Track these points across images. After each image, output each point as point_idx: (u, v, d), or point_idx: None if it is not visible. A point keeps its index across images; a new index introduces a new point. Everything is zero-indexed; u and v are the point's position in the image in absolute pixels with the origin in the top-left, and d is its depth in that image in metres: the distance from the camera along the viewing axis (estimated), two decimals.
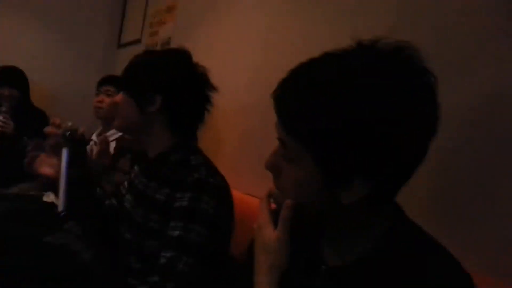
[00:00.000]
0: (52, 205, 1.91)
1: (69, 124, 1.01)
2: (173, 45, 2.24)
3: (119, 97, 1.06)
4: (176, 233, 0.92)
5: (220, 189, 1.00)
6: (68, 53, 3.24)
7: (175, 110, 1.06)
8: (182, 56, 1.08)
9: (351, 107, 0.50)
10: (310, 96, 0.53)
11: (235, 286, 0.81)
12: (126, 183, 1.25)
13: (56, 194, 0.95)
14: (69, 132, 0.98)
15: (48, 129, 0.96)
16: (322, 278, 0.62)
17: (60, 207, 0.93)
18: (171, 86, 1.04)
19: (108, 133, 2.04)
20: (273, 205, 0.66)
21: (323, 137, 0.52)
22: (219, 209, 0.96)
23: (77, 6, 3.22)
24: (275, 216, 0.64)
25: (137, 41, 2.82)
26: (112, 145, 1.97)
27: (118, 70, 2.94)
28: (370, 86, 0.50)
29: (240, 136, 1.63)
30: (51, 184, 1.93)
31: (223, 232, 1.00)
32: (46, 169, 1.10)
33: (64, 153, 0.97)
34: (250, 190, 1.33)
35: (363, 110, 0.49)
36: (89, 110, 3.16)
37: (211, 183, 0.97)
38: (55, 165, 1.11)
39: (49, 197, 1.97)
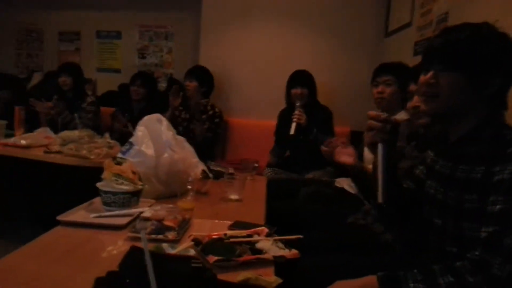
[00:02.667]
0: (343, 190, 2.13)
1: (390, 116, 1.05)
2: (452, 20, 2.07)
3: (445, 77, 0.99)
4: (498, 207, 0.87)
5: None
6: (340, 50, 3.53)
7: (506, 90, 1.00)
8: (497, 32, 0.99)
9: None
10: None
11: None
12: (422, 168, 1.24)
13: (375, 186, 1.03)
14: (390, 125, 1.03)
15: (371, 123, 1.04)
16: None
17: (380, 199, 1.02)
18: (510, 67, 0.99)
19: None
20: None
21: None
22: None
23: (342, 5, 3.48)
24: None
25: (407, 25, 2.75)
26: None
27: (387, 58, 3.02)
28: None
29: None
30: (343, 171, 2.16)
31: None
32: (345, 158, 1.22)
33: (380, 148, 1.04)
34: None
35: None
36: (364, 100, 3.35)
37: None
38: (352, 154, 1.23)
39: (340, 183, 2.18)
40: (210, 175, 1.75)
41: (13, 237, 2.69)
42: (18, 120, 2.83)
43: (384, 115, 1.06)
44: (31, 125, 2.93)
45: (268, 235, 1.14)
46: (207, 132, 3.12)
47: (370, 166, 1.69)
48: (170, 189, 1.54)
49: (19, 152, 2.41)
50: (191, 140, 3.11)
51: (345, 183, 2.15)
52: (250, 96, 3.69)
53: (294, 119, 2.65)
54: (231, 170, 2.04)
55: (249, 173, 2.04)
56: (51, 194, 2.64)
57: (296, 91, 2.86)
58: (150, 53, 4.44)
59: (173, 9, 4.28)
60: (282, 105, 3.13)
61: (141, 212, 1.24)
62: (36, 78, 4.51)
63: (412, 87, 1.66)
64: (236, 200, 1.62)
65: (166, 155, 1.55)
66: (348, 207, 1.78)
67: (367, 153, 2.10)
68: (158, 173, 1.52)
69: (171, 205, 1.29)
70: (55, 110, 3.32)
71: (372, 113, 1.06)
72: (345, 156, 1.25)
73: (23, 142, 2.48)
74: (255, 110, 3.67)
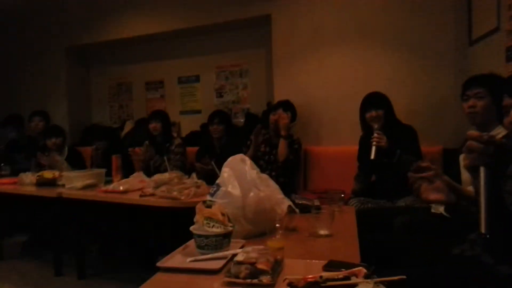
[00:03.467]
0: (441, 216, 1.96)
1: (494, 137, 0.96)
2: None
3: None
4: None
5: None
6: (420, 65, 3.35)
7: None
8: None
9: None
10: None
11: None
12: None
13: (478, 214, 0.93)
14: (493, 147, 0.94)
15: (472, 145, 0.96)
16: None
17: (484, 229, 0.91)
18: None
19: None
20: None
21: None
22: None
23: (416, 18, 3.32)
24: None
25: (494, 30, 2.54)
26: None
27: (474, 68, 2.80)
28: None
29: None
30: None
31: None
32: (434, 195, 1.12)
33: (483, 172, 0.94)
34: None
35: None
36: (453, 116, 3.13)
37: None
38: (440, 188, 1.12)
39: (437, 209, 2.02)
40: (297, 210, 1.73)
41: (116, 277, 2.90)
42: (115, 167, 3.10)
43: (486, 135, 0.96)
44: (127, 171, 3.18)
45: (366, 276, 1.07)
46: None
47: (469, 188, 1.55)
48: (258, 228, 1.55)
49: (118, 198, 2.62)
50: (274, 167, 3.16)
51: (442, 209, 1.98)
52: (328, 123, 3.65)
53: (374, 143, 2.55)
54: (316, 203, 2.00)
55: (336, 205, 1.98)
56: (147, 236, 2.81)
57: (371, 114, 2.76)
58: (227, 91, 4.63)
59: (246, 47, 4.46)
60: None
61: (234, 255, 1.25)
62: (128, 126, 4.94)
63: (507, 101, 1.50)
64: (326, 236, 1.57)
65: (252, 194, 1.57)
66: (451, 236, 1.62)
67: (465, 175, 1.93)
68: (246, 212, 1.54)
69: (262, 247, 1.28)
70: (147, 155, 3.59)
71: (473, 133, 0.96)
72: (434, 193, 1.15)
73: (121, 188, 2.70)
74: (335, 136, 3.61)
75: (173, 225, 2.43)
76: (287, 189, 2.82)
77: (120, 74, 5.31)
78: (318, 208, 1.77)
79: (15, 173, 3.76)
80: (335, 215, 1.89)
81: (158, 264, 1.25)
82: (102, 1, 4.86)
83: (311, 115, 3.70)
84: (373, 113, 2.75)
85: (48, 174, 3.19)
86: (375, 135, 2.58)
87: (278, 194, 1.67)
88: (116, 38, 4.80)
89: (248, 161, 1.66)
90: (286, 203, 1.67)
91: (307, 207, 1.89)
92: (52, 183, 3.14)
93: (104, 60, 5.42)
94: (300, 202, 1.93)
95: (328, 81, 3.63)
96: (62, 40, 5.17)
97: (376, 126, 2.66)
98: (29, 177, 3.24)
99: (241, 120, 4.42)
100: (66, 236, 3.09)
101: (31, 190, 3.08)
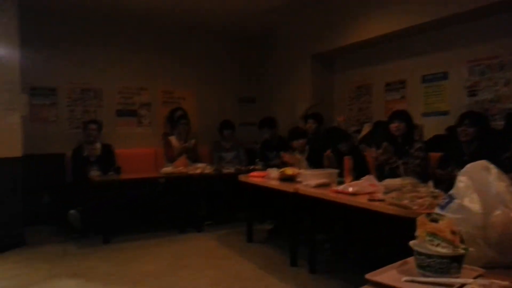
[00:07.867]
0: None
1: None
2: None
3: None
4: None
5: None
6: None
7: None
8: None
9: None
10: None
11: None
12: None
13: None
14: None
15: None
16: None
17: None
18: None
19: None
20: None
21: None
22: None
23: None
24: None
25: None
26: None
27: None
28: None
29: None
30: None
31: None
32: None
33: None
34: None
35: None
36: None
37: None
38: None
39: None
40: None
41: (346, 278, 2.88)
42: (347, 168, 3.09)
43: None
44: (359, 173, 3.13)
45: None
46: None
47: None
48: (505, 256, 1.19)
49: (346, 199, 2.59)
50: None
51: None
52: None
53: None
54: None
55: None
56: (376, 241, 2.68)
57: None
58: (482, 88, 3.92)
59: (507, 35, 3.66)
60: None
61: (462, 285, 1.00)
62: (365, 129, 4.89)
63: None
64: None
65: (498, 212, 1.22)
66: None
67: None
68: (488, 234, 1.21)
69: (506, 283, 0.97)
70: (384, 156, 3.42)
71: None
72: None
73: (350, 189, 2.66)
74: None
75: (403, 235, 2.21)
76: None
77: (360, 77, 5.32)
78: None
79: (267, 168, 4.32)
80: None
81: (367, 276, 1.12)
82: (340, 7, 5.00)
83: None
84: None
85: (289, 170, 3.51)
86: None
87: None
88: (357, 41, 4.83)
89: (493, 169, 1.31)
90: None
91: None
92: (292, 179, 3.43)
93: (345, 64, 5.56)
94: None
95: None
96: (308, 49, 5.62)
97: None
98: (274, 172, 3.65)
99: (499, 122, 3.65)
100: (300, 230, 3.31)
101: (274, 184, 3.46)
